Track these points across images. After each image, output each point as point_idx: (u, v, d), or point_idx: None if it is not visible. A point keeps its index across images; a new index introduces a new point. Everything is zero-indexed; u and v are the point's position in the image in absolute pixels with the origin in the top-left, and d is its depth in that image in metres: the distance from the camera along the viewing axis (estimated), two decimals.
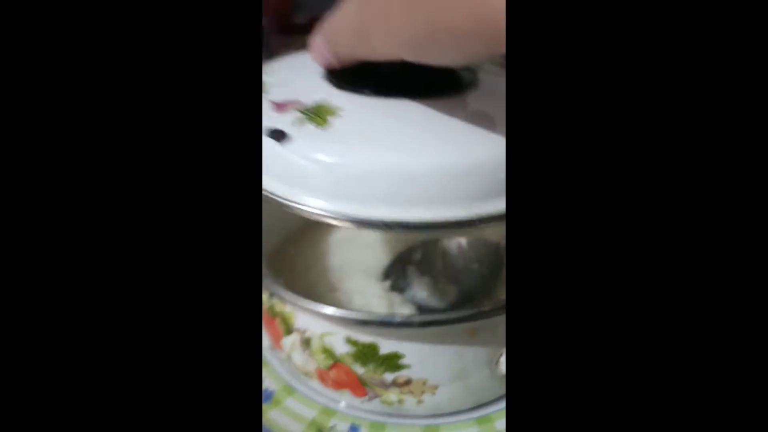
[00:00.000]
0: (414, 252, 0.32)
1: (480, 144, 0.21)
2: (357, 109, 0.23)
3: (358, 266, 0.33)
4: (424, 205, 0.20)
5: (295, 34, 0.75)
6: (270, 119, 0.23)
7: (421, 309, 0.30)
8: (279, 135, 0.22)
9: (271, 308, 0.28)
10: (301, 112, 0.23)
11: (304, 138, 0.22)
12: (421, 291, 0.30)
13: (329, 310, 0.25)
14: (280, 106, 0.24)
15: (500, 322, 0.24)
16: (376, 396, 0.27)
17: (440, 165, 0.20)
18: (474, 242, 0.32)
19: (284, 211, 0.22)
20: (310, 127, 0.22)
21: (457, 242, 0.32)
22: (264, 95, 0.25)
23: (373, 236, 0.34)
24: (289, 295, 0.26)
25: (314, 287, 0.32)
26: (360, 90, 0.23)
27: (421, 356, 0.25)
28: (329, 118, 0.22)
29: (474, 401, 0.29)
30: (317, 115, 0.22)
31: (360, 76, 0.23)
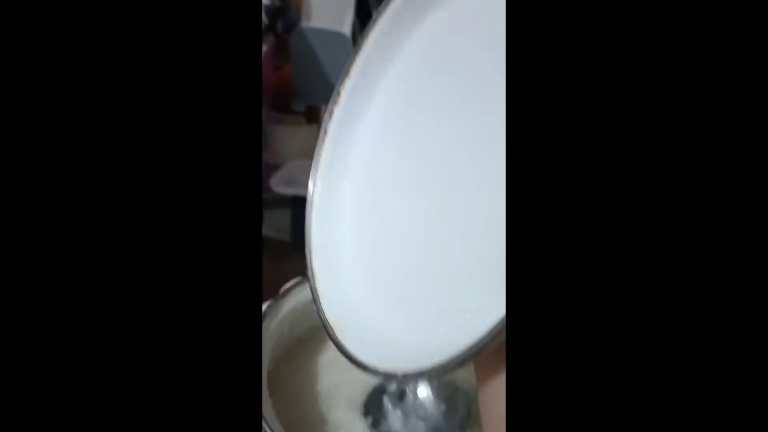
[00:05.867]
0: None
1: None
2: None
3: (342, 393, 0.33)
4: None
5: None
6: None
7: None
8: None
9: None
10: None
11: None
12: (394, 424, 0.32)
13: None
14: None
15: None
16: None
17: None
18: (444, 384, 0.33)
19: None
20: None
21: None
22: None
23: None
24: None
25: (306, 417, 0.32)
26: None
27: None
28: None
29: None
30: None
31: None
